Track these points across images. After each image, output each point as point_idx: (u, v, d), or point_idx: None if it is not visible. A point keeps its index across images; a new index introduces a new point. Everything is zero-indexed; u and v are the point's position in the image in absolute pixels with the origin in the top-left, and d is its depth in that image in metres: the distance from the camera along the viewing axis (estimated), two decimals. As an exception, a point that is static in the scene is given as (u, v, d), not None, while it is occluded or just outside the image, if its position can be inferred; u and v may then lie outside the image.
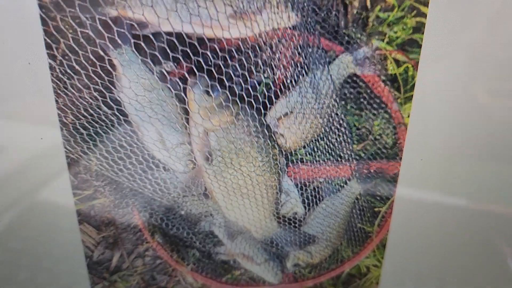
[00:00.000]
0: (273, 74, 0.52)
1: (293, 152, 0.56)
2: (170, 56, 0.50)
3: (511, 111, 0.56)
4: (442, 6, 0.50)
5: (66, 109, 0.52)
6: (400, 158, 0.57)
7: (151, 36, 0.49)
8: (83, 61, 0.50)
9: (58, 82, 0.51)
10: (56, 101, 0.52)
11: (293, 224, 0.61)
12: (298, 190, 0.59)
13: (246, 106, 0.53)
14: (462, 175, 0.58)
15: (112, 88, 0.51)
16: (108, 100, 0.52)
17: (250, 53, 0.51)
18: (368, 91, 0.54)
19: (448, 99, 0.54)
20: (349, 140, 0.56)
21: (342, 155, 0.57)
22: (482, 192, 0.60)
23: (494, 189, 0.59)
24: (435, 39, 0.51)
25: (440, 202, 0.60)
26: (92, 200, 0.58)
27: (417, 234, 0.63)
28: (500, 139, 0.57)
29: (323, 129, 0.55)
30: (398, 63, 0.53)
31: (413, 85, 0.53)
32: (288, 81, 0.52)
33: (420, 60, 0.52)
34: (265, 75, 0.52)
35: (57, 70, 0.50)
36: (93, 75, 0.51)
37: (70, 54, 0.50)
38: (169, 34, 0.49)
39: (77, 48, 0.49)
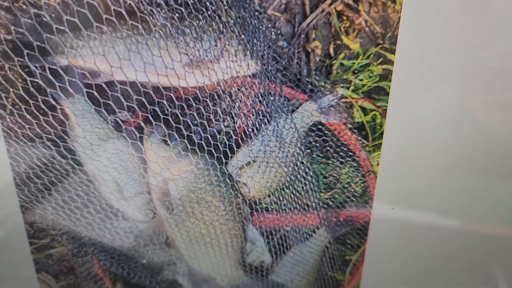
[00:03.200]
0: (234, 122, 0.50)
1: (257, 201, 0.54)
2: (125, 105, 0.48)
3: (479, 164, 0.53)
4: (410, 53, 0.47)
5: (19, 158, 0.50)
6: (371, 206, 0.55)
7: (104, 85, 0.47)
8: (34, 111, 0.48)
9: (9, 131, 0.49)
10: (8, 150, 0.50)
11: (260, 272, 0.59)
12: (264, 238, 0.56)
13: (206, 155, 0.50)
14: (435, 222, 0.56)
15: (66, 137, 0.49)
16: (62, 149, 0.50)
17: (208, 101, 0.49)
18: (335, 139, 0.51)
19: (417, 145, 0.52)
20: (316, 188, 0.54)
21: (309, 203, 0.55)
22: (458, 237, 0.57)
23: (470, 239, 0.57)
24: (402, 86, 0.49)
25: (412, 251, 0.57)
26: (50, 249, 0.55)
27: (390, 282, 0.60)
28: (480, 184, 0.54)
29: (288, 178, 0.53)
30: (365, 110, 0.50)
31: (382, 133, 0.51)
32: (250, 129, 0.50)
33: (388, 108, 0.49)
34: (225, 124, 0.50)
35: (8, 120, 0.49)
36: (45, 125, 0.48)
37: (20, 104, 0.48)
38: (122, 83, 0.47)
39: (27, 98, 0.47)
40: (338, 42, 0.47)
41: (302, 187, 0.53)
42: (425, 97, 0.49)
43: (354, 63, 0.48)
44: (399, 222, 0.55)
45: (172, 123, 0.49)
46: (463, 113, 0.49)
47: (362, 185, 0.54)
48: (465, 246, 0.59)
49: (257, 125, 0.50)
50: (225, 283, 0.59)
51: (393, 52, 0.47)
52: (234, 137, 0.50)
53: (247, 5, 0.45)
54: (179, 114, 0.49)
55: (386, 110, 0.49)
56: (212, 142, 0.50)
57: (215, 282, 0.59)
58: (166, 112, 0.48)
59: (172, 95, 0.48)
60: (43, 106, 0.47)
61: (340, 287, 0.61)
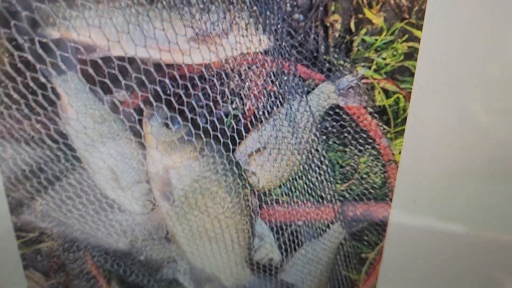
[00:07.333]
0: (243, 104, 0.45)
1: (267, 192, 0.50)
2: (123, 84, 0.43)
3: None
4: (437, 29, 0.43)
5: (4, 143, 0.46)
6: (391, 200, 0.50)
7: (99, 61, 0.43)
8: (23, 89, 0.43)
9: (-6, 113, 0.44)
10: (-8, 133, 0.45)
11: (268, 271, 0.54)
12: (273, 234, 0.52)
13: (212, 141, 0.46)
14: (460, 219, 0.51)
15: (57, 119, 0.45)
16: (53, 133, 0.45)
17: (215, 81, 0.44)
18: (353, 124, 0.47)
19: (444, 133, 0.47)
20: (331, 179, 0.50)
21: (324, 195, 0.50)
22: (481, 235, 0.53)
23: (494, 238, 0.52)
24: (430, 66, 0.44)
25: (435, 249, 0.53)
26: (38, 244, 0.51)
27: (409, 283, 0.55)
28: (501, 174, 0.50)
29: (301, 167, 0.49)
30: (387, 93, 0.46)
31: (405, 118, 0.46)
32: (260, 112, 0.46)
33: (413, 90, 0.45)
34: (233, 106, 0.46)
35: (-8, 99, 0.44)
36: (34, 105, 0.44)
37: (7, 81, 0.43)
38: (120, 59, 0.42)
39: (14, 74, 0.43)
40: (360, 16, 0.43)
41: (317, 177, 0.49)
42: (454, 79, 0.45)
43: (377, 40, 0.43)
44: (421, 217, 0.51)
45: (175, 104, 0.44)
46: (496, 94, 0.45)
47: (382, 175, 0.50)
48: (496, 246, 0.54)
49: (269, 108, 0.45)
50: (230, 283, 0.54)
51: (420, 28, 0.43)
52: (243, 120, 0.46)
53: (260, -27, 0.41)
54: (182, 95, 0.44)
55: (410, 92, 0.45)
56: (218, 126, 0.45)
57: (219, 281, 0.54)
58: (168, 92, 0.44)
59: (175, 73, 0.43)
60: (32, 84, 0.43)
61: (354, 288, 0.56)
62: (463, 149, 0.48)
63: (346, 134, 0.47)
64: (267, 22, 0.42)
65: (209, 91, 0.44)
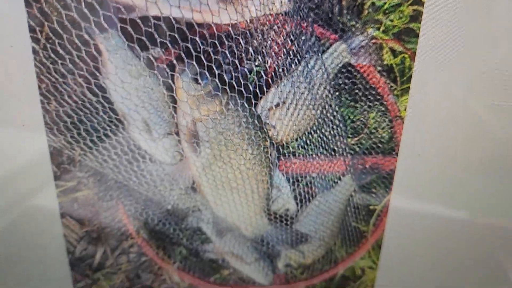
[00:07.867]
0: (265, 62, 0.50)
1: (285, 145, 0.54)
2: (158, 42, 0.48)
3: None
4: (440, -6, 0.48)
5: (49, 95, 0.50)
6: (397, 154, 0.55)
7: (138, 21, 0.48)
8: (68, 45, 0.48)
9: (41, 67, 0.49)
10: (39, 86, 0.50)
11: (284, 221, 0.59)
12: (290, 185, 0.56)
13: (236, 96, 0.51)
14: (462, 172, 0.56)
15: (97, 74, 0.49)
16: (93, 87, 0.50)
17: (240, 39, 0.49)
18: (363, 82, 0.52)
19: (446, 90, 0.52)
20: (343, 133, 0.54)
21: (336, 149, 0.55)
22: (483, 188, 0.57)
23: (496, 185, 0.57)
24: (432, 28, 0.49)
25: (438, 201, 0.58)
26: (75, 192, 0.55)
27: (414, 234, 0.60)
28: (503, 128, 0.54)
29: (316, 121, 0.53)
30: (394, 53, 0.51)
31: (410, 76, 0.51)
32: (280, 69, 0.50)
33: (417, 50, 0.50)
34: (256, 63, 0.50)
35: (41, 54, 0.49)
36: (77, 60, 0.49)
37: (54, 38, 0.48)
38: (156, 18, 0.47)
39: (61, 32, 0.48)
40: (370, -20, 0.47)
41: (330, 131, 0.54)
42: (454, 40, 0.49)
43: (385, 3, 0.48)
44: (425, 171, 0.56)
45: (204, 61, 0.49)
46: (495, 56, 0.50)
47: (389, 130, 0.54)
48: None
49: (288, 65, 0.50)
50: (249, 232, 0.59)
51: (423, -7, 0.48)
52: (264, 77, 0.51)
53: None
54: (211, 52, 0.49)
55: (415, 52, 0.50)
56: (242, 82, 0.50)
57: (239, 231, 0.58)
58: (198, 49, 0.49)
59: (205, 32, 0.48)
60: (76, 41, 0.48)
61: (363, 239, 0.61)
62: (464, 106, 0.53)
63: (357, 91, 0.52)
64: (288, -14, 0.47)
65: (235, 49, 0.49)
